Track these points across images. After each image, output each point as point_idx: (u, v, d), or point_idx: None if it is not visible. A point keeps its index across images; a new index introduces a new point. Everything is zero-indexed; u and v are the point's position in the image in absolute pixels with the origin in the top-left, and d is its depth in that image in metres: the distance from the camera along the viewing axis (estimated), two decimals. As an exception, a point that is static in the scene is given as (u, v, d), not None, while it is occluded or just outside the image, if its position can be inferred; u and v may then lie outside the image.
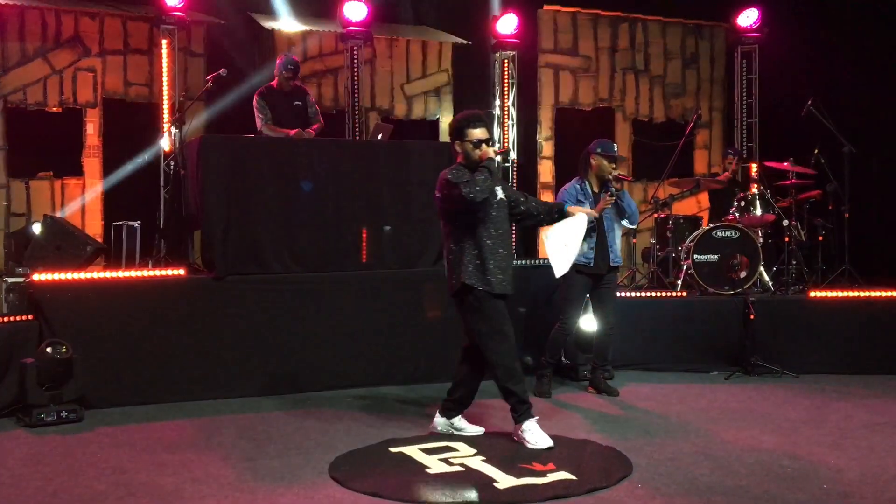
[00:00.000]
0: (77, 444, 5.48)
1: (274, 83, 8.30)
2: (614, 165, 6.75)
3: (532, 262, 8.06)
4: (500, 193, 5.41)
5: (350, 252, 7.34)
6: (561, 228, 5.74)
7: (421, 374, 7.30)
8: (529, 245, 10.91)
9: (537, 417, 5.33)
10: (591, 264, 6.73)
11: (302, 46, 10.40)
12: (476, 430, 5.61)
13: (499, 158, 5.26)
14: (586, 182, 6.79)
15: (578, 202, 6.67)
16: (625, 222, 6.85)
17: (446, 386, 7.10)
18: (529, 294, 7.55)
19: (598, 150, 6.73)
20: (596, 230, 6.68)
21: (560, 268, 5.79)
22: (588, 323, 7.48)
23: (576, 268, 6.56)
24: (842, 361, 7.74)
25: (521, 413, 5.31)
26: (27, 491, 4.55)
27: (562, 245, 5.73)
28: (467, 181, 5.15)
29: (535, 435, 5.25)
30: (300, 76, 8.75)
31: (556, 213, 5.73)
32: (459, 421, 5.62)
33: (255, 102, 8.12)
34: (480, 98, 10.99)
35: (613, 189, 6.60)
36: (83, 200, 9.47)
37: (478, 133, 5.29)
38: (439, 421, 5.63)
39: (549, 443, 5.21)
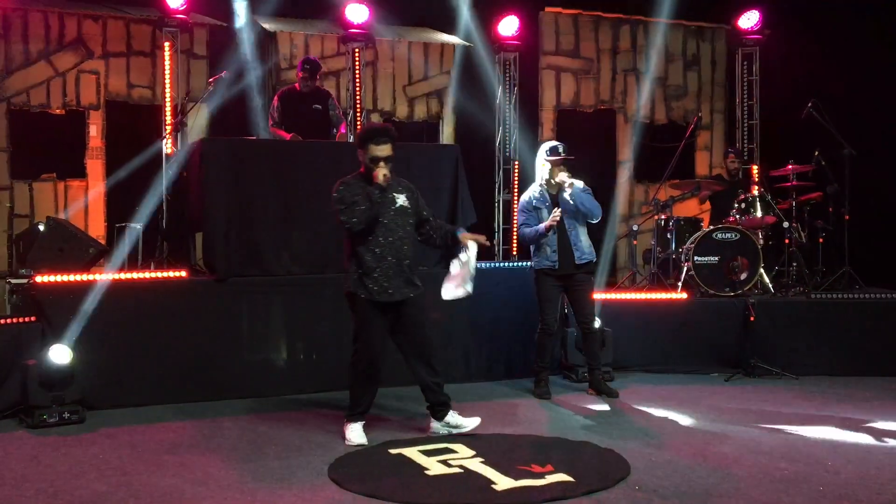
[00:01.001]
0: (79, 445, 5.51)
1: (296, 85, 8.35)
2: (561, 167, 6.85)
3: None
4: (400, 201, 5.51)
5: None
6: (459, 269, 5.50)
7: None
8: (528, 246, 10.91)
9: (363, 423, 5.57)
10: (556, 266, 6.83)
11: (304, 48, 10.42)
12: (473, 422, 5.66)
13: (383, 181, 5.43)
14: (541, 187, 6.93)
15: (535, 209, 6.88)
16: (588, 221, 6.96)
17: (448, 387, 7.16)
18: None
19: (546, 155, 6.87)
20: (556, 231, 6.78)
21: (451, 293, 5.55)
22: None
23: (543, 271, 6.82)
24: (842, 363, 7.76)
25: (351, 414, 5.59)
26: (29, 491, 4.58)
27: (459, 283, 5.50)
28: (346, 207, 5.36)
29: (352, 434, 5.51)
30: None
31: (451, 240, 5.71)
32: (453, 417, 5.66)
33: (274, 102, 8.22)
34: (482, 100, 11.01)
35: (564, 195, 6.74)
36: (86, 202, 9.50)
37: (377, 150, 5.39)
38: (436, 426, 5.69)
39: (362, 441, 5.44)
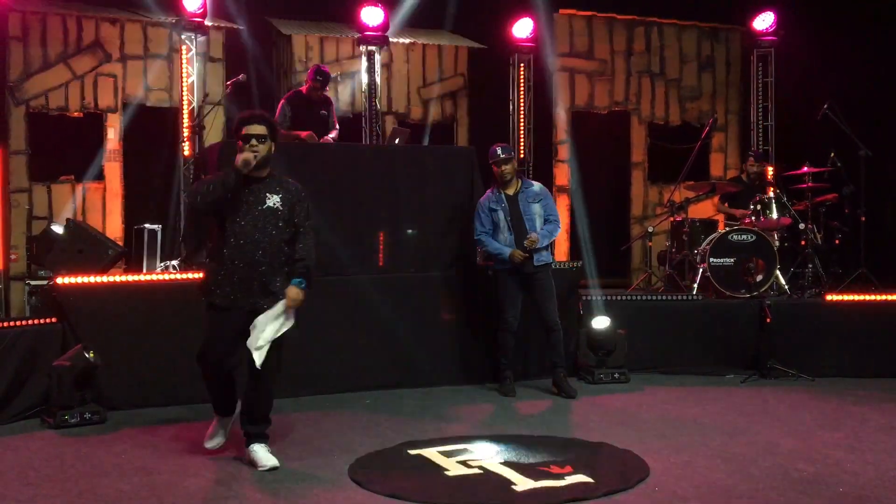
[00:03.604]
0: (101, 445, 5.56)
1: (303, 89, 8.39)
2: (506, 167, 7.03)
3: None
4: (270, 202, 4.98)
5: (367, 255, 7.41)
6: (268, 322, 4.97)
7: (438, 376, 7.36)
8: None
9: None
10: (509, 266, 6.95)
11: (319, 51, 10.48)
12: (270, 464, 5.00)
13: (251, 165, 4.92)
14: (496, 189, 7.09)
15: (492, 210, 7.01)
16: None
17: (463, 388, 7.26)
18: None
19: (490, 159, 7.09)
20: (514, 232, 6.94)
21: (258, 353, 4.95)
22: (599, 322, 7.53)
23: (503, 270, 6.98)
24: (858, 365, 7.75)
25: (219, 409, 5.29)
26: (53, 491, 4.63)
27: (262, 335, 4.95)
28: (200, 184, 5.10)
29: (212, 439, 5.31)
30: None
31: (289, 276, 5.05)
32: (255, 452, 5.06)
33: (279, 106, 8.22)
34: (496, 101, 11.05)
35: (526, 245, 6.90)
36: (103, 204, 9.59)
37: (247, 129, 4.92)
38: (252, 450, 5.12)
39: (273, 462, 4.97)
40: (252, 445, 5.08)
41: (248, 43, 10.01)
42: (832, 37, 10.15)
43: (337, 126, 8.52)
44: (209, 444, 5.31)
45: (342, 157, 7.61)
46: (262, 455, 5.02)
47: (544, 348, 7.21)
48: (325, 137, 8.21)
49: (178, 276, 7.16)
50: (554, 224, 7.11)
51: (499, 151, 7.07)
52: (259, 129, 4.93)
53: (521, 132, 10.86)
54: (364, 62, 10.28)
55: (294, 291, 5.00)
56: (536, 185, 7.27)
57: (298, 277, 5.02)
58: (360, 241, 7.38)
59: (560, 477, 4.76)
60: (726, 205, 9.35)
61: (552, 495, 4.51)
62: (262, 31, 10.50)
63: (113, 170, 9.66)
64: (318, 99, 8.36)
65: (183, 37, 9.41)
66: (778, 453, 5.28)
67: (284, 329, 5.03)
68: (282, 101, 8.29)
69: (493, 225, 7.02)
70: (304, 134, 8.00)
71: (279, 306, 4.98)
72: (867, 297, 8.10)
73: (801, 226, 8.62)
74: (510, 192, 7.08)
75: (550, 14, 10.93)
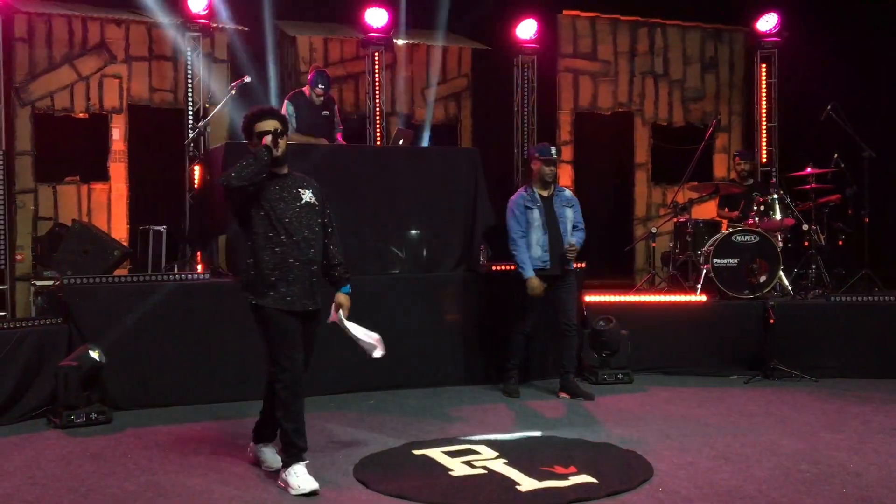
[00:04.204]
0: (107, 445, 5.59)
1: (305, 89, 8.40)
2: (553, 168, 6.97)
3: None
4: (306, 197, 4.82)
5: (372, 256, 7.43)
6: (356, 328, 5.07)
7: (443, 377, 7.38)
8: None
9: (307, 462, 4.74)
10: (548, 266, 6.91)
11: (323, 52, 10.50)
12: (277, 463, 4.90)
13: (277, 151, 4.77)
14: (530, 188, 7.01)
15: (527, 209, 6.91)
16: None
17: (466, 389, 7.27)
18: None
19: (537, 155, 6.97)
20: (548, 232, 6.88)
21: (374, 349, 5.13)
22: (603, 323, 7.55)
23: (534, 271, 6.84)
24: (861, 365, 7.77)
25: (290, 455, 4.70)
26: (61, 491, 4.66)
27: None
28: (227, 171, 4.69)
29: (300, 479, 4.63)
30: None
31: (333, 283, 5.02)
32: (263, 453, 5.05)
33: (283, 107, 8.23)
34: (500, 102, 11.07)
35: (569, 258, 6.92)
36: (108, 205, 9.62)
37: (261, 126, 4.74)
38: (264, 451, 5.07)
39: (313, 486, 4.60)
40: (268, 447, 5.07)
41: (253, 44, 10.02)
42: (836, 38, 10.15)
43: (341, 126, 8.54)
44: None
45: (346, 158, 7.64)
46: (272, 457, 5.04)
47: (553, 350, 7.23)
48: (338, 139, 8.26)
49: (183, 276, 7.17)
50: (582, 232, 7.09)
51: (552, 150, 6.99)
52: (274, 124, 4.78)
53: (525, 133, 10.88)
54: (368, 63, 10.30)
55: (346, 300, 4.96)
56: (568, 191, 7.24)
57: (346, 284, 4.97)
58: (364, 242, 7.40)
59: (564, 477, 4.78)
60: (726, 210, 9.38)
61: (556, 496, 4.53)
62: (266, 33, 10.51)
63: (118, 171, 9.69)
64: (320, 100, 8.38)
65: (188, 38, 9.44)
66: (781, 454, 5.30)
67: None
68: (285, 102, 8.31)
69: (526, 224, 6.93)
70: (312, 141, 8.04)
71: (346, 321, 4.97)
72: (870, 298, 8.11)
73: (805, 227, 8.63)
74: (545, 193, 7.01)
75: (554, 15, 10.96)
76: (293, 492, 4.58)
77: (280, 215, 4.71)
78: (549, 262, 6.90)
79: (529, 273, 6.82)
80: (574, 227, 7.06)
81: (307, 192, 4.85)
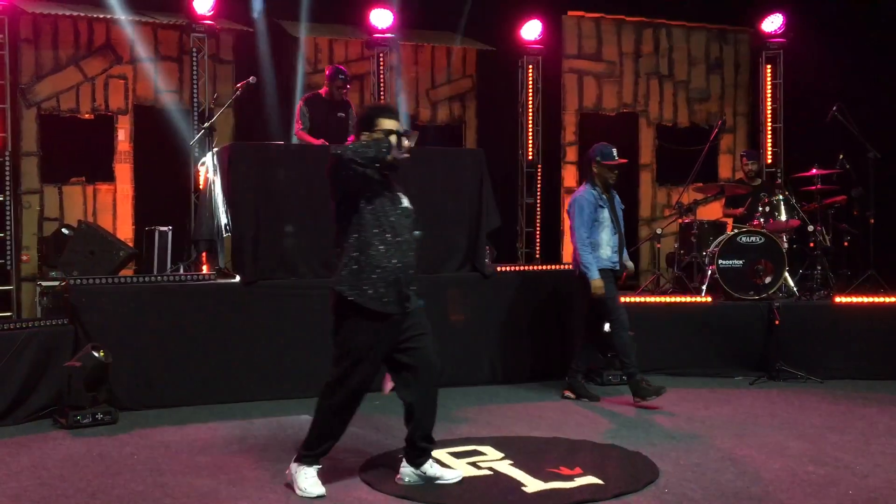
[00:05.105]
0: (113, 445, 5.60)
1: (322, 91, 8.40)
2: (616, 171, 6.84)
3: (558, 266, 8.15)
4: (405, 202, 4.73)
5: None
6: None
7: (447, 377, 7.30)
8: (552, 249, 10.98)
9: (321, 467, 4.65)
10: (617, 267, 6.85)
11: (328, 53, 10.52)
12: (455, 476, 4.80)
13: (404, 155, 4.65)
14: (595, 188, 6.84)
15: (599, 208, 6.76)
16: None
17: (472, 389, 7.26)
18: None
19: (598, 159, 6.82)
20: (616, 231, 6.80)
21: None
22: (608, 324, 7.52)
23: (602, 270, 6.71)
24: (867, 367, 7.74)
25: (308, 454, 4.63)
26: (68, 491, 4.67)
27: None
28: (343, 147, 4.50)
29: (307, 482, 4.56)
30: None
31: None
32: (431, 468, 4.78)
33: (298, 108, 8.24)
34: (504, 103, 11.08)
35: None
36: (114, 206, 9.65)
37: (389, 124, 4.63)
38: (406, 471, 4.79)
39: (318, 492, 4.53)
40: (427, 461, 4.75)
41: (258, 45, 10.03)
42: (841, 38, 10.14)
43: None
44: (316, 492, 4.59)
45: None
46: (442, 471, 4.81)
47: (557, 351, 7.19)
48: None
49: (189, 277, 7.18)
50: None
51: (615, 152, 6.85)
52: (398, 125, 4.66)
53: (530, 134, 10.89)
54: (373, 64, 10.32)
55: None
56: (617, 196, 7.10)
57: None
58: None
59: (570, 478, 4.78)
60: (731, 208, 9.39)
61: (562, 497, 4.53)
62: (271, 33, 10.53)
63: (123, 171, 9.72)
64: (337, 101, 8.37)
65: (193, 39, 9.46)
66: (787, 455, 5.29)
67: None
68: (300, 104, 8.34)
69: (595, 223, 6.76)
70: (317, 142, 8.04)
71: None
72: (876, 300, 8.09)
73: (810, 228, 8.62)
74: (605, 195, 6.87)
75: (559, 16, 10.96)
76: (299, 493, 4.56)
77: (387, 213, 4.59)
78: (617, 262, 6.83)
79: (596, 274, 6.65)
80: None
81: (405, 198, 4.75)
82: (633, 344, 6.79)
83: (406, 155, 4.64)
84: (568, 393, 7.00)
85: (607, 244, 6.79)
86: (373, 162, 4.46)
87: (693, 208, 8.99)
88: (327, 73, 8.44)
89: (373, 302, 4.49)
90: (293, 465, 4.67)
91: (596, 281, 6.66)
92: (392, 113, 4.72)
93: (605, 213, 6.78)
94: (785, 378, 7.56)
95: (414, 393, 4.69)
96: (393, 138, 4.58)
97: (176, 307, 6.77)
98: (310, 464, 4.62)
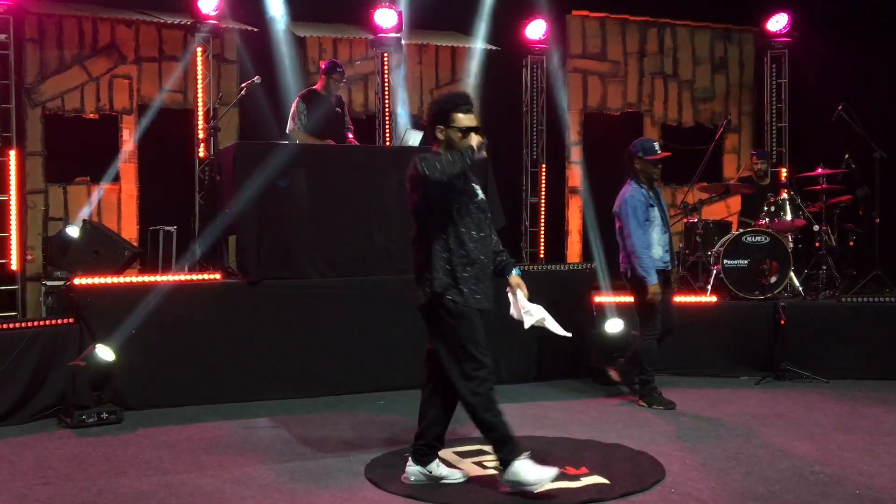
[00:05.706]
0: (118, 444, 5.61)
1: (317, 87, 8.38)
2: (660, 166, 6.67)
3: (562, 266, 8.14)
4: (479, 192, 4.65)
5: (382, 257, 7.42)
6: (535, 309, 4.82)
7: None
8: (556, 248, 10.97)
9: (529, 452, 4.55)
10: (669, 266, 6.72)
11: (333, 53, 10.51)
12: (461, 476, 4.80)
13: (483, 153, 4.51)
14: (642, 185, 6.62)
15: (650, 207, 6.57)
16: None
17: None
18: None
19: (640, 154, 6.63)
20: (667, 231, 6.68)
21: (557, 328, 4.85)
22: (612, 324, 7.53)
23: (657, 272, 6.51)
24: (873, 367, 7.73)
25: (505, 452, 4.50)
26: (73, 490, 4.67)
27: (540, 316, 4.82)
28: (426, 159, 4.37)
29: (531, 474, 4.45)
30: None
31: (498, 271, 4.82)
32: (438, 467, 4.76)
33: (294, 105, 8.21)
34: (509, 103, 11.06)
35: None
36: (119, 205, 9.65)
37: (467, 120, 4.51)
38: (412, 470, 4.74)
39: (552, 473, 4.49)
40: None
41: (266, 45, 10.02)
42: (846, 38, 10.12)
43: (351, 125, 8.55)
44: (549, 474, 4.50)
45: (356, 159, 7.64)
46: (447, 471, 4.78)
47: (560, 351, 7.18)
48: (350, 140, 8.26)
49: (193, 277, 7.19)
50: None
51: (657, 147, 6.66)
52: (477, 120, 4.55)
53: (534, 133, 10.87)
54: (377, 64, 10.31)
55: (520, 281, 4.77)
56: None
57: (516, 267, 4.81)
58: (373, 243, 7.39)
59: (576, 478, 4.77)
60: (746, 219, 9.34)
61: (568, 496, 4.52)
62: (275, 33, 10.52)
63: (128, 171, 9.71)
64: (333, 96, 8.37)
65: (198, 39, 9.45)
66: (793, 455, 5.28)
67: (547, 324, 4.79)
68: (296, 100, 8.30)
69: (647, 221, 6.52)
70: (317, 142, 8.03)
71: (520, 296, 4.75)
72: (882, 299, 8.07)
73: (816, 227, 8.61)
74: (651, 192, 6.64)
75: (563, 16, 10.95)
76: (536, 488, 4.39)
77: (470, 210, 4.53)
78: (668, 262, 6.65)
79: (655, 279, 6.42)
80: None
81: (478, 188, 4.66)
82: (657, 352, 6.68)
83: (484, 153, 4.53)
84: (641, 403, 6.72)
85: (658, 243, 6.58)
86: (459, 175, 4.42)
87: (698, 208, 8.98)
88: (323, 66, 8.42)
89: (471, 300, 4.50)
90: (506, 479, 4.49)
91: (654, 287, 6.43)
92: (467, 105, 4.56)
93: (656, 212, 6.58)
94: (790, 378, 7.54)
95: (441, 391, 4.70)
96: (473, 140, 4.47)
97: (180, 306, 6.76)
98: (516, 458, 4.46)
